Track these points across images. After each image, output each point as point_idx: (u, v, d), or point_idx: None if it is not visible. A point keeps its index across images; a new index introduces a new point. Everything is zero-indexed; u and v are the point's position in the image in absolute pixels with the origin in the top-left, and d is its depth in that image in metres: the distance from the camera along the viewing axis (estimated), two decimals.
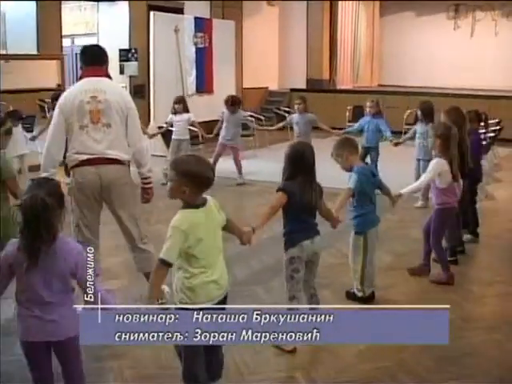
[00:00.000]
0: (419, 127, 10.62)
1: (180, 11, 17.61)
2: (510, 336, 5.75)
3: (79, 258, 3.79)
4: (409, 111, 17.12)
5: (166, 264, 4.08)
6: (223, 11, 19.69)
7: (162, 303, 5.58)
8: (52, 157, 5.89)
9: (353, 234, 6.34)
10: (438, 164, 6.86)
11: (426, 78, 23.12)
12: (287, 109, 18.49)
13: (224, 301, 4.35)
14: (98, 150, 5.80)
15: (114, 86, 6.21)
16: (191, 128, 12.55)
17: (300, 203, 5.30)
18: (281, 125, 12.93)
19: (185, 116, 12.15)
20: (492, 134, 13.10)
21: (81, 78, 6.08)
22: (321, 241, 5.55)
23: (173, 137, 12.35)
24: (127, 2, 16.57)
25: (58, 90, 14.54)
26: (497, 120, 14.99)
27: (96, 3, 16.90)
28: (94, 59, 6.06)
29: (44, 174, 5.83)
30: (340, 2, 23.55)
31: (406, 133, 14.39)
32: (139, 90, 16.48)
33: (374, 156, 11.40)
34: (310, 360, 5.27)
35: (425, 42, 24.25)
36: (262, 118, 17.61)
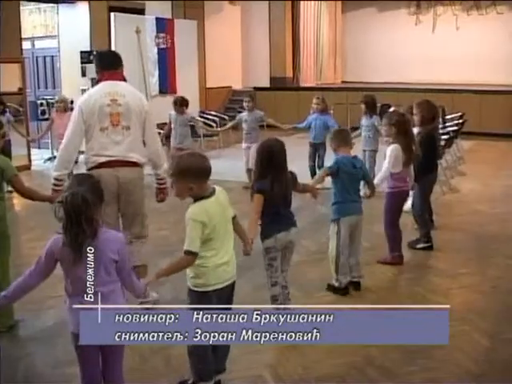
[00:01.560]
0: (364, 120, 11.07)
1: (141, 12, 17.53)
2: (476, 327, 5.78)
3: (121, 245, 3.98)
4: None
5: (192, 254, 4.30)
6: (185, 11, 19.62)
7: (142, 302, 5.63)
8: (68, 157, 6.05)
9: (330, 221, 6.54)
10: (394, 149, 7.18)
11: (389, 74, 23.22)
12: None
13: (233, 285, 4.62)
14: (117, 152, 5.96)
15: (133, 90, 6.36)
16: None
17: (274, 198, 5.45)
18: (231, 124, 12.99)
19: None
20: (455, 128, 13.20)
21: (99, 81, 6.20)
22: (297, 231, 5.76)
23: None
24: (87, 4, 16.43)
25: (19, 94, 14.46)
26: (459, 113, 15.12)
27: (56, 5, 16.74)
28: (111, 63, 6.28)
29: (56, 173, 6.02)
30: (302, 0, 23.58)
31: None
32: None
33: (321, 152, 11.62)
34: (278, 358, 5.24)
35: (387, 38, 24.35)
36: (226, 117, 17.59)
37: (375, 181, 7.16)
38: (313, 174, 11.09)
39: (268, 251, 5.60)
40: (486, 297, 6.59)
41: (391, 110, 10.04)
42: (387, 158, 7.22)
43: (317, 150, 11.61)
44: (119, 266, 3.93)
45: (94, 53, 16.22)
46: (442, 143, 11.52)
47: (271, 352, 5.36)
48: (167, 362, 5.15)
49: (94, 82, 6.46)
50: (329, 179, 6.60)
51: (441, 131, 12.32)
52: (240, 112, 13.87)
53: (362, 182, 6.70)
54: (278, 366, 5.10)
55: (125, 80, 6.32)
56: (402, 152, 7.15)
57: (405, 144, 7.17)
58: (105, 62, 6.29)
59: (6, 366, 5.01)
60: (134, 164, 6.08)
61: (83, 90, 15.36)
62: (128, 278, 4.03)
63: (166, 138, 12.48)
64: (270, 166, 5.47)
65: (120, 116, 5.98)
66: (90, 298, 3.79)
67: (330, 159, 6.72)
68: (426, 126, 7.97)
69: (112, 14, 15.74)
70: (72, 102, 14.59)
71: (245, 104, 12.14)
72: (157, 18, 17.17)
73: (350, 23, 25.95)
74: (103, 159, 5.93)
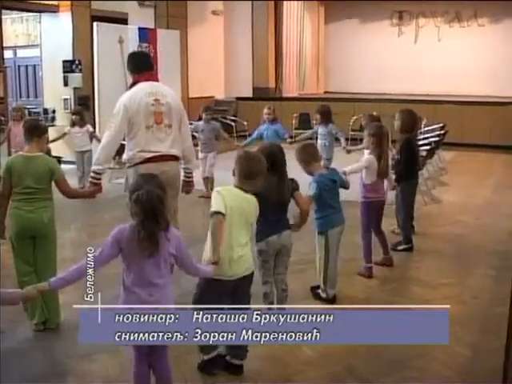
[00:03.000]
0: (320, 129, 11.34)
1: (124, 21, 17.47)
2: (457, 338, 5.77)
3: (180, 240, 4.26)
4: (355, 117, 17.30)
5: (217, 213, 4.69)
6: (168, 21, 19.59)
7: None
8: (110, 152, 6.48)
9: (316, 234, 6.55)
10: (367, 160, 7.34)
11: (372, 85, 23.32)
12: (234, 117, 18.47)
13: (251, 276, 5.00)
14: (162, 148, 6.40)
15: (170, 90, 6.78)
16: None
17: (269, 202, 5.48)
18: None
19: (82, 128, 12.40)
20: (436, 139, 13.25)
21: (136, 82, 6.56)
22: (289, 234, 5.83)
23: (75, 149, 12.55)
24: (70, 13, 16.37)
25: (1, 103, 14.40)
26: (441, 124, 15.18)
27: (38, 14, 16.68)
28: (148, 65, 6.76)
29: (95, 167, 6.38)
30: (285, 10, 23.61)
31: (353, 139, 14.75)
32: (84, 102, 16.30)
33: None
34: (258, 370, 5.22)
35: (370, 49, 24.45)
36: None
37: (347, 169, 7.17)
38: None
39: (260, 253, 5.76)
40: (467, 307, 6.60)
41: (369, 113, 10.15)
42: (358, 163, 7.40)
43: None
44: (181, 260, 4.26)
45: (77, 62, 16.25)
46: (424, 153, 11.59)
47: (252, 364, 5.30)
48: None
49: (131, 83, 6.75)
50: None
51: (421, 142, 12.41)
52: (222, 122, 13.90)
53: None
54: (258, 378, 5.07)
55: (158, 80, 6.76)
56: (375, 164, 7.26)
57: (378, 155, 7.29)
58: (143, 64, 6.68)
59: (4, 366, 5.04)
60: (176, 158, 6.56)
61: (65, 100, 15.38)
62: (192, 267, 4.40)
63: None
64: (271, 170, 5.45)
65: (163, 115, 6.42)
66: (147, 289, 4.08)
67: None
68: (406, 134, 8.22)
69: (95, 23, 15.66)
70: (54, 111, 14.55)
71: (203, 115, 12.36)
72: (139, 28, 17.10)
73: (332, 34, 26.03)
74: (150, 155, 6.32)
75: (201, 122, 12.36)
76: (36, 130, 6.03)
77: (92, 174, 6.43)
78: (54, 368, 5.22)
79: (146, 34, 17.28)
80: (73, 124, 12.63)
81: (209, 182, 11.98)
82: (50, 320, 5.92)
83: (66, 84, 16.12)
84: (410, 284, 7.37)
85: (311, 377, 5.10)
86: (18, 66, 18.06)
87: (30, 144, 5.96)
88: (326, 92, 26.04)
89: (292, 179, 5.81)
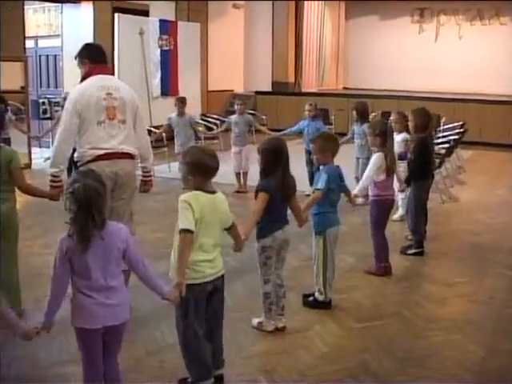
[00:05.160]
0: (356, 128, 10.98)
1: (145, 13, 17.53)
2: (470, 336, 5.80)
3: (128, 236, 4.03)
4: (373, 114, 17.23)
5: (188, 232, 4.36)
6: (188, 14, 19.62)
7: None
8: (63, 153, 5.99)
9: (313, 234, 6.36)
10: (377, 158, 7.19)
11: (391, 81, 23.26)
12: (252, 111, 18.46)
13: (222, 281, 4.70)
14: (114, 145, 5.94)
15: (124, 84, 6.36)
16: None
17: (275, 197, 5.45)
18: (223, 127, 13.03)
19: None
20: (456, 137, 13.23)
21: (89, 74, 6.09)
22: (290, 228, 5.73)
23: None
24: (91, 4, 16.43)
25: (21, 93, 14.47)
26: (460, 123, 15.15)
27: (60, 5, 16.75)
28: (101, 57, 6.27)
29: (51, 170, 6.00)
30: (306, 5, 23.60)
31: None
32: None
33: None
34: (272, 363, 5.24)
35: (390, 46, 24.40)
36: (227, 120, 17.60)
37: (355, 191, 7.08)
38: (311, 180, 11.01)
39: (264, 250, 5.60)
40: (482, 307, 6.59)
41: (373, 116, 9.88)
42: (369, 168, 7.26)
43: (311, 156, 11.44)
44: (129, 256, 3.98)
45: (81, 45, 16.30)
46: (442, 152, 11.57)
47: (266, 357, 5.38)
48: (162, 363, 5.16)
49: (83, 76, 6.20)
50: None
51: (440, 140, 12.39)
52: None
53: None
54: (272, 371, 5.09)
55: (113, 74, 6.30)
56: (384, 160, 7.16)
57: (385, 152, 7.20)
58: (95, 55, 6.23)
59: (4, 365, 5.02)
60: (130, 156, 6.09)
61: None
62: (142, 268, 4.07)
63: (157, 141, 12.50)
64: (278, 165, 5.48)
65: (116, 110, 5.99)
66: (103, 293, 3.88)
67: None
68: (420, 133, 8.05)
69: (116, 14, 15.75)
70: None
71: (236, 107, 12.18)
72: (160, 20, 17.18)
73: (353, 30, 25.99)
74: (101, 152, 5.89)
75: (234, 115, 12.22)
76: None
77: (50, 178, 6.03)
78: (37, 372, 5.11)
79: (166, 27, 17.36)
80: None
81: (243, 176, 11.90)
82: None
83: None
84: (425, 282, 7.36)
85: (324, 372, 5.11)
86: (39, 56, 18.12)
87: None
88: (344, 88, 26.01)
89: (292, 177, 5.69)
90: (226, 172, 11.99)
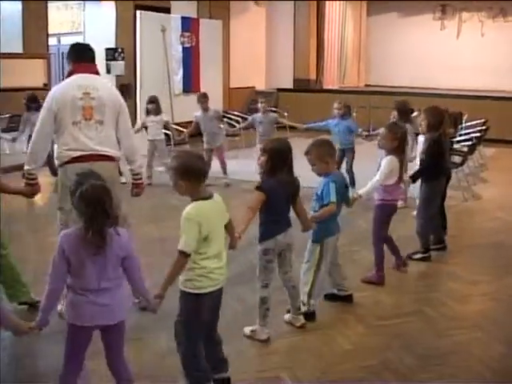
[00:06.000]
0: None
1: (167, 10, 17.58)
2: (493, 334, 5.79)
3: (128, 244, 4.01)
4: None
5: (185, 255, 4.27)
6: (210, 11, 19.68)
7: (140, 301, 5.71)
8: (37, 153, 5.85)
9: (310, 241, 6.11)
10: (390, 162, 6.91)
11: (413, 79, 23.16)
12: (274, 108, 18.46)
13: (221, 289, 4.57)
14: (90, 146, 5.75)
15: (106, 84, 6.19)
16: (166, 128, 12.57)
17: (277, 199, 5.36)
18: (245, 125, 12.94)
19: (158, 117, 12.23)
20: (477, 134, 13.18)
21: (71, 73, 5.97)
22: (293, 231, 5.60)
23: (148, 138, 12.37)
24: (113, 1, 16.52)
25: (44, 90, 14.55)
26: (483, 120, 15.07)
27: (82, 2, 16.84)
28: (84, 56, 6.03)
29: (26, 168, 5.86)
30: (327, 3, 23.58)
31: None
32: (126, 90, 16.39)
33: (349, 156, 11.40)
34: (294, 360, 5.26)
35: (411, 43, 24.30)
36: (249, 118, 17.61)
37: (361, 191, 6.88)
38: None
39: (266, 253, 5.48)
40: (504, 305, 6.57)
41: (391, 121, 9.28)
42: (381, 170, 6.95)
43: (344, 154, 11.37)
44: (129, 263, 3.98)
45: (119, 50, 16.38)
46: (465, 149, 11.52)
47: (288, 354, 5.40)
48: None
49: (66, 75, 6.12)
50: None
51: (461, 137, 12.32)
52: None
53: None
54: (295, 368, 5.10)
55: (98, 73, 6.10)
56: (398, 164, 6.92)
57: (400, 158, 6.97)
58: (78, 54, 6.03)
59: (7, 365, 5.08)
60: (108, 158, 5.87)
61: None
62: (139, 275, 4.09)
63: (191, 137, 12.54)
64: (283, 166, 5.38)
65: (93, 110, 5.78)
66: (96, 293, 3.87)
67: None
68: (433, 132, 7.79)
69: (138, 12, 15.80)
70: None
71: (260, 105, 12.09)
72: (182, 17, 17.20)
73: (374, 26, 25.90)
74: (77, 153, 5.73)
75: (258, 114, 12.11)
76: None
77: (25, 175, 5.90)
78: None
79: (188, 24, 17.38)
80: (147, 112, 12.44)
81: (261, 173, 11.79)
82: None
83: (108, 71, 16.27)
84: (447, 280, 7.34)
85: (347, 369, 5.12)
86: (62, 53, 18.20)
87: None
88: (366, 85, 25.95)
89: (296, 179, 5.56)
90: (249, 169, 12.10)
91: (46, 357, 5.30)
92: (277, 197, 5.35)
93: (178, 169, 4.31)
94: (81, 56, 6.02)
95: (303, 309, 6.03)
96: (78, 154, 5.73)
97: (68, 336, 3.99)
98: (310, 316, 6.05)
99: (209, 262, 4.35)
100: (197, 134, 12.69)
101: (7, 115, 12.03)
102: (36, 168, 5.90)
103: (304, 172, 5.89)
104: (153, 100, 12.52)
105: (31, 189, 5.97)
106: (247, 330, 5.68)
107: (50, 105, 5.79)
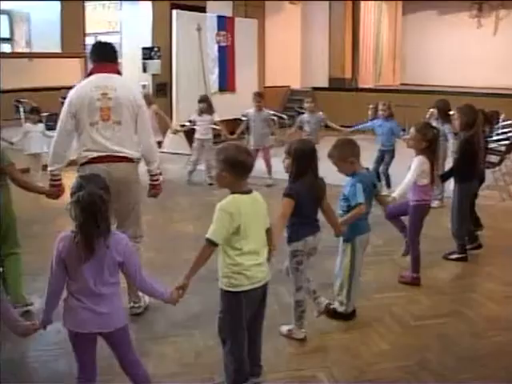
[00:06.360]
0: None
1: (202, 9, 17.63)
2: None
3: (127, 247, 3.98)
4: (431, 110, 17.05)
5: (212, 244, 4.27)
6: (246, 10, 19.70)
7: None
8: (59, 152, 5.88)
9: (341, 241, 6.03)
10: (420, 162, 6.79)
11: (449, 77, 23.02)
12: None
13: (265, 288, 4.57)
14: (108, 147, 5.75)
15: (125, 83, 6.14)
16: (214, 127, 12.59)
17: (305, 202, 5.31)
18: (294, 129, 12.59)
19: (208, 117, 12.23)
20: None
21: (90, 73, 5.99)
22: (321, 236, 5.56)
23: (196, 136, 12.40)
24: (150, 1, 16.62)
25: None
26: None
27: (119, 1, 16.94)
28: (104, 55, 6.02)
29: (50, 169, 5.94)
30: (362, 2, 23.49)
31: None
32: (162, 88, 16.57)
33: (388, 158, 11.32)
34: (331, 359, 5.27)
35: (447, 41, 24.15)
36: (285, 117, 17.66)
37: (394, 194, 6.75)
38: (378, 177, 10.81)
39: (295, 254, 5.45)
40: None
41: (423, 121, 8.98)
42: (412, 170, 6.82)
43: (384, 156, 11.34)
44: (126, 268, 3.97)
45: (155, 49, 16.45)
46: (502, 149, 11.42)
47: (325, 353, 5.39)
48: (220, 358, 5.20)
49: (86, 74, 6.17)
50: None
51: (500, 137, 12.21)
52: (299, 112, 13.77)
53: None
54: (332, 367, 5.11)
55: (119, 73, 6.08)
56: (428, 164, 6.79)
57: (431, 158, 6.83)
58: (98, 54, 6.02)
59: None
60: (126, 159, 5.85)
61: (144, 86, 15.57)
62: (139, 278, 4.06)
63: (242, 134, 12.60)
64: (309, 167, 5.34)
65: (110, 111, 5.76)
66: (92, 299, 3.86)
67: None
68: (466, 131, 7.65)
69: (174, 11, 15.86)
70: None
71: (306, 105, 12.08)
72: (218, 16, 17.24)
73: (410, 25, 25.78)
74: (94, 154, 5.73)
75: (305, 114, 12.10)
76: None
77: (49, 176, 6.00)
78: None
79: (224, 23, 17.41)
80: (200, 112, 12.42)
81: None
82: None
83: (144, 70, 16.39)
84: (484, 280, 7.28)
85: (384, 369, 5.11)
86: None
87: None
88: (401, 84, 25.83)
89: (322, 179, 5.48)
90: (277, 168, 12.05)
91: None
92: (304, 200, 5.30)
93: (226, 160, 4.31)
94: (101, 55, 6.01)
95: (340, 309, 6.03)
96: (95, 154, 5.74)
97: (70, 341, 4.01)
98: (344, 317, 6.04)
99: (244, 259, 4.33)
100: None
101: (45, 114, 12.10)
102: (59, 169, 5.94)
103: (332, 170, 5.87)
104: (204, 99, 12.54)
105: (55, 190, 6.04)
106: (284, 328, 5.69)
107: (69, 105, 5.79)
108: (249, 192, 4.40)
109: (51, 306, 3.99)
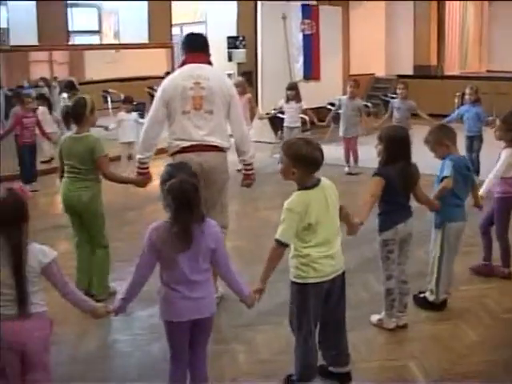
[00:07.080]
0: None
1: None
2: None
3: (219, 234, 4.05)
4: None
5: (282, 245, 4.26)
6: None
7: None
8: (149, 140, 6.00)
9: (433, 228, 5.96)
10: (509, 155, 6.57)
11: None
12: (394, 95, 18.26)
13: (343, 278, 4.52)
14: (199, 136, 5.80)
15: (217, 73, 6.23)
16: (302, 116, 12.61)
17: (397, 187, 5.29)
18: (387, 115, 12.50)
19: (296, 104, 12.25)
20: None
21: (183, 63, 6.06)
22: (413, 221, 5.52)
23: (284, 124, 12.47)
24: None
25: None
26: None
27: None
28: (196, 46, 6.10)
29: (138, 157, 6.09)
30: None
31: None
32: (247, 77, 16.65)
33: (476, 145, 11.13)
34: (422, 350, 5.25)
35: None
36: (369, 104, 17.54)
37: (482, 192, 6.45)
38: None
39: (386, 243, 5.41)
40: None
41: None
42: (500, 162, 6.61)
43: (472, 142, 11.13)
44: (217, 256, 3.99)
45: (240, 38, 16.54)
46: None
47: (415, 344, 5.38)
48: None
49: (179, 65, 6.23)
50: None
51: None
52: (384, 101, 13.66)
53: None
54: (422, 358, 5.09)
55: (210, 63, 6.13)
56: None
57: None
58: (191, 45, 6.11)
59: None
60: (217, 148, 5.89)
61: (229, 75, 15.68)
62: (226, 269, 4.09)
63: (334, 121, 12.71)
64: (399, 154, 5.30)
65: (203, 100, 5.80)
66: (187, 286, 3.89)
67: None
68: None
69: (259, 1, 15.93)
70: None
71: (398, 91, 12.08)
72: (302, 5, 17.21)
73: (496, 12, 25.21)
74: (186, 143, 5.80)
75: (396, 100, 12.14)
76: (82, 110, 6.04)
77: (137, 164, 6.17)
78: (218, 335, 5.25)
79: (308, 11, 17.39)
80: (287, 99, 12.50)
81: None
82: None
83: (230, 59, 16.51)
84: None
85: (475, 362, 5.05)
86: None
87: (78, 124, 6.07)
88: (488, 71, 25.33)
89: (415, 167, 5.46)
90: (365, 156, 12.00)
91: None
92: (395, 185, 5.26)
93: (296, 157, 4.25)
94: (193, 46, 6.09)
95: (431, 298, 5.98)
96: (187, 144, 5.81)
97: (166, 334, 4.06)
98: (434, 307, 5.99)
99: (312, 250, 4.29)
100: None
101: (134, 103, 12.35)
102: (149, 157, 6.06)
103: (427, 158, 5.84)
104: (292, 87, 12.61)
105: (142, 178, 6.17)
106: (374, 318, 5.69)
107: (162, 94, 5.90)
108: (316, 185, 4.33)
109: (133, 295, 4.05)
